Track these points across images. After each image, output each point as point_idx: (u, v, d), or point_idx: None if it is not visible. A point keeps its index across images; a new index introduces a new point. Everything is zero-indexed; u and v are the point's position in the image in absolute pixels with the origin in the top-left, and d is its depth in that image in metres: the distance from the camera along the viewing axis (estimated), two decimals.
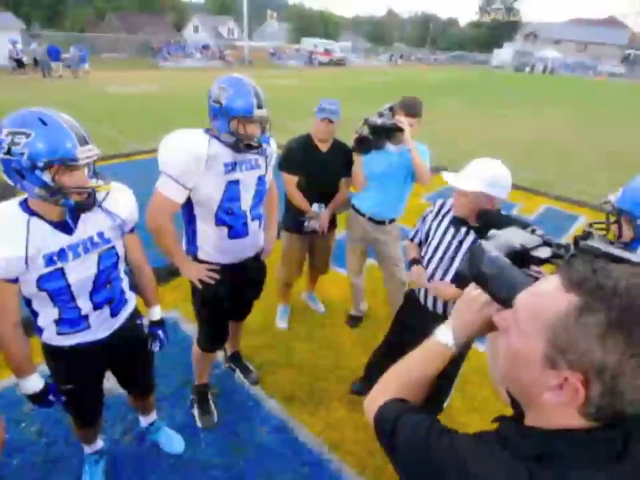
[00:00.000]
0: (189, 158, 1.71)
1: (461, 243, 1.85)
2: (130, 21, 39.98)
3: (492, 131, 10.91)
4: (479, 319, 0.80)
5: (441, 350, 0.84)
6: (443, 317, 1.91)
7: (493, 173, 1.70)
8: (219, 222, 1.90)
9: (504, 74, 35.83)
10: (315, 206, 2.73)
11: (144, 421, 2.17)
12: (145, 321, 1.81)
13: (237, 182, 1.86)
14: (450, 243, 1.88)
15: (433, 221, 1.99)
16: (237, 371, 2.68)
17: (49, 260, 1.32)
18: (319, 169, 2.68)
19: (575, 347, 0.57)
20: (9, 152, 1.17)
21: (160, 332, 1.79)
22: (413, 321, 2.06)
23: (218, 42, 37.14)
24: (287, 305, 3.25)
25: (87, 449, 1.96)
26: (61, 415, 2.27)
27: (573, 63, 43.67)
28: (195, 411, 2.36)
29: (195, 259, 2.00)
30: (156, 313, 1.80)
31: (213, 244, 1.96)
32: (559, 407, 0.62)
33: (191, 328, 2.92)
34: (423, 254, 2.03)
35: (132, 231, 1.61)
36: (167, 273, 3.40)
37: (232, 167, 1.83)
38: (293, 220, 2.80)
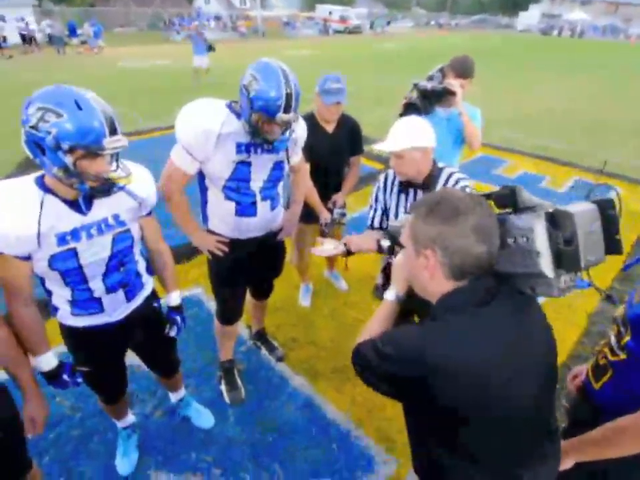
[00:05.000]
0: (200, 132, 1.67)
1: None
2: None
3: (517, 98, 10.45)
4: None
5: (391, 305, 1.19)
6: None
7: (413, 126, 1.72)
8: (227, 197, 1.86)
9: (530, 38, 34.07)
10: (337, 212, 2.58)
11: (173, 397, 2.20)
12: (163, 303, 1.77)
13: (247, 163, 1.79)
14: (405, 208, 1.91)
15: (384, 195, 1.97)
16: (262, 348, 2.69)
17: (62, 239, 1.29)
18: (328, 152, 2.53)
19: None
20: (35, 127, 1.13)
21: (178, 318, 1.76)
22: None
23: (230, 12, 36.15)
24: (308, 284, 3.22)
25: (120, 424, 2.00)
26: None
27: (602, 26, 41.16)
28: (223, 387, 2.38)
29: (208, 230, 2.01)
30: (174, 298, 1.76)
31: (221, 217, 1.94)
32: (433, 279, 0.96)
33: (214, 304, 2.93)
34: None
35: (149, 214, 1.57)
36: (190, 251, 3.40)
37: (245, 148, 1.75)
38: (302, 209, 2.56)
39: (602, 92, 11.95)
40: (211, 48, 10.64)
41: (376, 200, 2.00)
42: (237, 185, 1.83)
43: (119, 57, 15.96)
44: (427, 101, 2.33)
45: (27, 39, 17.89)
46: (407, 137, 1.69)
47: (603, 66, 17.74)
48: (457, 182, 1.78)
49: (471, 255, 0.90)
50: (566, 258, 0.89)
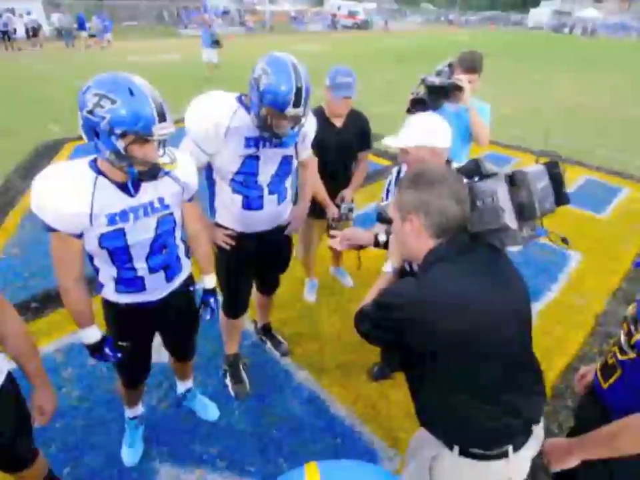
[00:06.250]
0: (209, 124, 1.67)
1: None
2: None
3: (527, 97, 10.35)
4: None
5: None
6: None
7: (424, 124, 1.66)
8: (234, 191, 1.87)
9: (541, 35, 33.67)
10: (345, 207, 2.58)
11: (181, 387, 2.21)
12: (198, 287, 1.83)
13: (256, 157, 1.79)
14: None
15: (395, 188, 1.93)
16: (268, 342, 2.69)
17: (111, 219, 1.36)
18: (336, 147, 2.51)
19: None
20: (91, 112, 1.20)
21: (212, 300, 1.82)
22: None
23: (238, 6, 36.01)
24: (313, 279, 3.22)
25: (129, 413, 2.01)
26: (99, 381, 2.35)
27: (614, 24, 40.51)
28: (228, 381, 2.39)
29: (215, 223, 2.01)
30: (210, 281, 1.82)
31: (228, 210, 1.94)
32: (418, 240, 1.12)
33: (220, 298, 2.94)
34: None
35: (191, 199, 1.63)
36: None
37: (254, 142, 1.75)
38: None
39: (613, 90, 11.79)
40: (216, 43, 10.33)
41: (387, 192, 1.99)
42: (245, 179, 1.83)
43: (127, 51, 15.97)
44: (434, 97, 2.30)
45: (32, 32, 17.90)
46: (413, 134, 1.64)
47: (615, 64, 17.50)
48: None
49: (449, 215, 1.08)
50: (525, 210, 1.09)
